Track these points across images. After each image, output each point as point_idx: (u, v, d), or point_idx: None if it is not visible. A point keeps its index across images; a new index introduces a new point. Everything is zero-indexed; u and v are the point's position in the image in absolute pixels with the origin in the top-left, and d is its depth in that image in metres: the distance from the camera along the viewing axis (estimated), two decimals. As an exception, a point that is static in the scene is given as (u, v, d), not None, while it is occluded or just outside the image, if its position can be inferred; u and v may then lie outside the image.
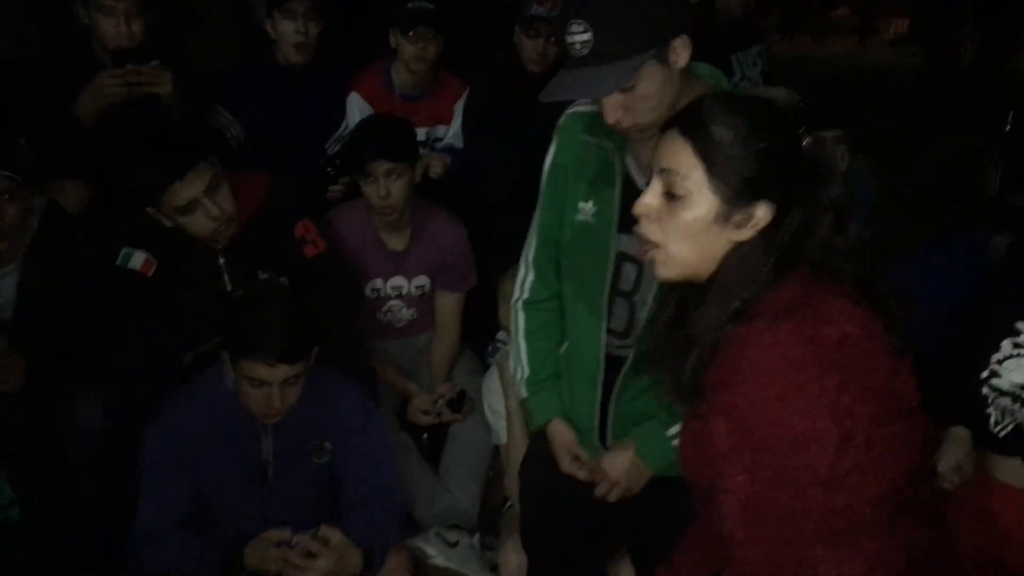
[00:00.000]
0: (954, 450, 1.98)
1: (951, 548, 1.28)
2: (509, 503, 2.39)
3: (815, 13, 8.45)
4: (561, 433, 1.86)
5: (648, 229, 1.26)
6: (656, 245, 1.25)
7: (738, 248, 1.22)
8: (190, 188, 2.12)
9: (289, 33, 2.87)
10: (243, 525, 2.11)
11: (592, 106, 1.68)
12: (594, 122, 1.67)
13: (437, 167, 2.95)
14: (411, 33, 2.90)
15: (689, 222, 1.22)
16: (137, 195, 2.19)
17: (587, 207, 1.71)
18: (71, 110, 2.49)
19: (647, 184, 1.27)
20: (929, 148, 2.70)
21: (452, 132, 3.13)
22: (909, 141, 3.37)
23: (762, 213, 1.20)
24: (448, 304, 2.80)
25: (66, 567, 2.26)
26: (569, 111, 1.77)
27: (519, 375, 1.91)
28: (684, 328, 1.26)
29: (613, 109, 1.53)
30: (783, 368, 1.13)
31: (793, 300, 1.17)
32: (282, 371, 1.94)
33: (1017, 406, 1.96)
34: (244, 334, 1.97)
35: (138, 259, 2.26)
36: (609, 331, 1.72)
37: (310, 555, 1.98)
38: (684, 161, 1.21)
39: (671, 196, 1.23)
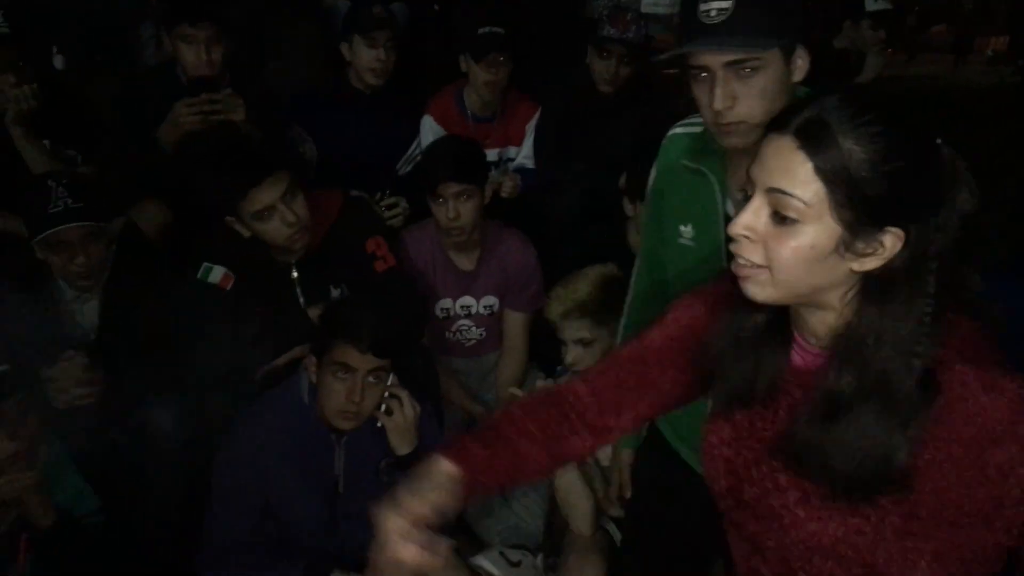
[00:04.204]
0: None
1: None
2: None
3: (910, 31, 8.19)
4: (622, 459, 2.03)
5: (749, 251, 1.04)
6: (759, 266, 1.04)
7: (876, 283, 1.02)
8: (268, 193, 2.20)
9: (368, 59, 2.93)
10: (313, 538, 2.16)
11: (694, 127, 1.64)
12: (694, 144, 1.62)
13: (508, 187, 2.98)
14: (483, 59, 2.93)
15: (802, 250, 1.00)
16: (216, 205, 2.28)
17: (687, 230, 1.65)
18: (154, 136, 2.60)
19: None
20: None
21: (523, 153, 3.16)
22: (1007, 160, 3.24)
23: (891, 242, 0.99)
24: (516, 324, 2.80)
25: (148, 571, 2.32)
26: (671, 132, 1.70)
27: None
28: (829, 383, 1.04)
29: (725, 94, 1.38)
30: (1013, 429, 0.98)
31: (979, 342, 1.02)
32: (369, 361, 2.00)
33: None
34: (345, 317, 2.05)
35: (217, 273, 2.35)
36: None
37: None
38: (800, 179, 0.98)
39: (780, 218, 1.01)
